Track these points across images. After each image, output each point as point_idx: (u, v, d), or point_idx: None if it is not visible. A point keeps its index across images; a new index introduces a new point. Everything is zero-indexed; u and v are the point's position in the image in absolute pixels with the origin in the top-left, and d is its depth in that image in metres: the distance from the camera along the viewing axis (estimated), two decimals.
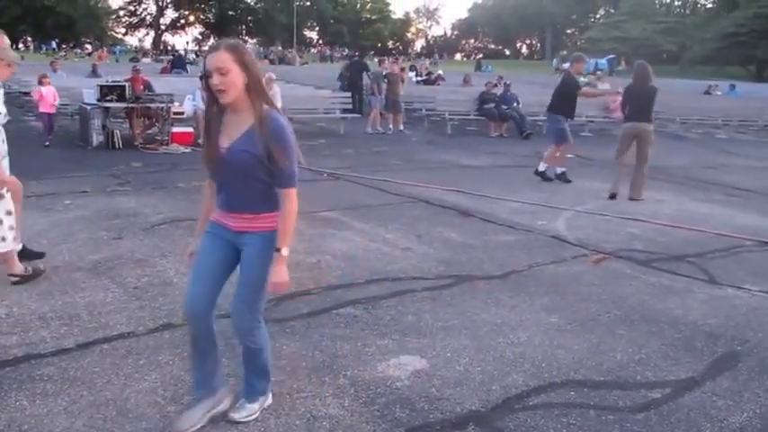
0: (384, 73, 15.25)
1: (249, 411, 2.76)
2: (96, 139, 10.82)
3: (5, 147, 4.42)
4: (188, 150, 10.87)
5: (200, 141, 11.29)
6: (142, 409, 2.81)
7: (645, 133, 7.82)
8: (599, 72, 31.40)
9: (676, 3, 75.77)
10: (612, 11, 72.52)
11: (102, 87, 11.13)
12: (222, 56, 2.40)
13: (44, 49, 52.23)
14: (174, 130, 11.40)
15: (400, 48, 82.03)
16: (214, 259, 2.62)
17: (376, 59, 36.40)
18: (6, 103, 5.00)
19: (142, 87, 12.51)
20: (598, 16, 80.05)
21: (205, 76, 2.47)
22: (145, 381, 3.05)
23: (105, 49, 49.73)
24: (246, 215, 2.58)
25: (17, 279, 4.30)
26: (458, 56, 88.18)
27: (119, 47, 58.26)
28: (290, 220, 2.60)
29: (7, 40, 4.74)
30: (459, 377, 3.20)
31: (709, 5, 69.68)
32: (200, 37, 77.87)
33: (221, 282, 2.66)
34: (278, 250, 2.56)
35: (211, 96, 2.50)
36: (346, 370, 3.23)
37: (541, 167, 9.01)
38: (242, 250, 2.60)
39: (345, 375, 3.18)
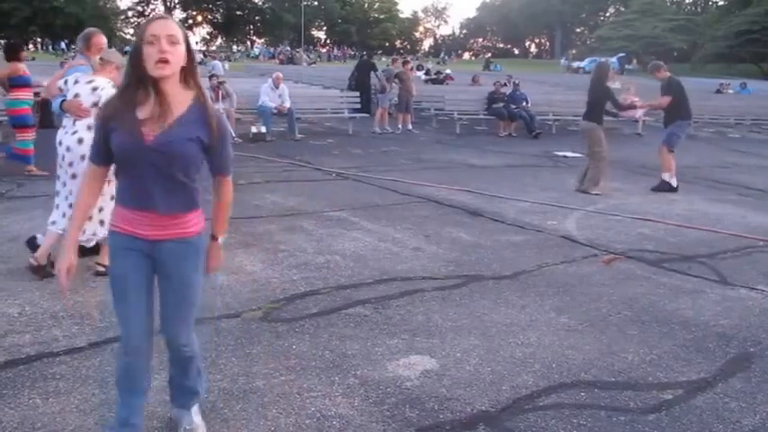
0: (396, 71, 15.24)
1: (197, 418, 2.63)
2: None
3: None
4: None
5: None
6: (152, 407, 2.82)
7: None
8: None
9: (687, 0, 75.42)
10: (623, 9, 72.23)
11: None
12: (173, 25, 2.17)
13: (51, 49, 52.52)
14: None
15: (408, 47, 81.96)
16: (140, 281, 2.29)
17: (383, 59, 36.44)
18: None
19: None
20: (608, 14, 79.73)
21: (139, 45, 2.14)
22: (155, 379, 3.05)
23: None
24: (168, 218, 2.24)
25: (103, 269, 4.35)
26: (466, 55, 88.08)
27: (127, 47, 58.48)
28: (230, 207, 2.43)
29: (104, 40, 4.88)
30: (468, 377, 3.20)
31: (721, 3, 69.25)
32: (207, 37, 78.20)
33: (152, 304, 2.36)
34: (215, 239, 2.39)
35: (137, 68, 2.14)
36: (356, 370, 3.23)
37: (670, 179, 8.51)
38: (163, 260, 2.29)
39: (355, 375, 3.18)
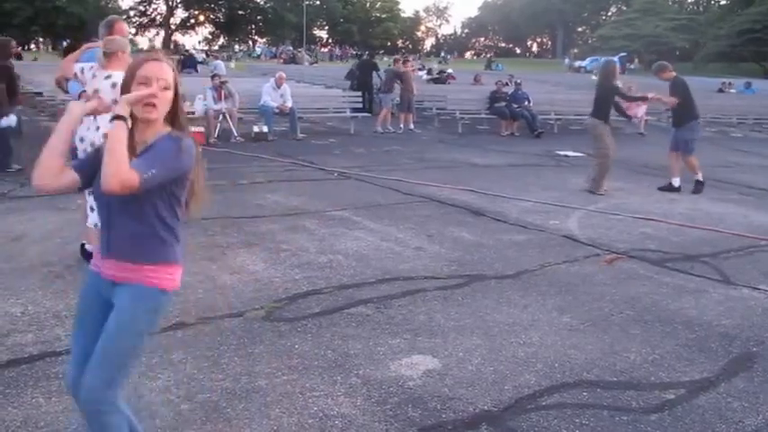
0: (398, 71, 15.23)
1: None
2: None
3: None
4: (199, 150, 10.88)
5: (210, 141, 11.38)
6: (156, 407, 2.82)
7: None
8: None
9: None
10: (624, 8, 72.11)
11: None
12: (167, 69, 2.11)
13: (52, 48, 52.57)
14: None
15: (410, 46, 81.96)
16: (96, 325, 2.11)
17: (385, 58, 36.43)
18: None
19: None
20: (610, 14, 79.65)
21: (129, 84, 2.09)
22: (158, 379, 3.07)
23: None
24: (126, 263, 2.08)
25: None
26: (468, 54, 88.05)
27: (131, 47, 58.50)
28: (118, 158, 1.96)
29: (126, 27, 4.87)
30: (471, 377, 3.20)
31: (723, 2, 69.15)
32: (210, 36, 78.20)
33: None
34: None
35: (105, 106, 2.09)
36: (358, 369, 3.23)
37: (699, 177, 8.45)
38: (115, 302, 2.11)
39: (357, 374, 3.18)
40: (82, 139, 4.42)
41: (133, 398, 2.88)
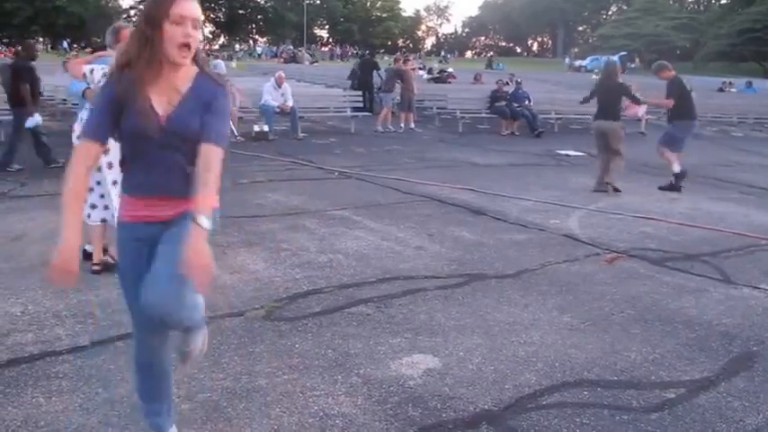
0: (398, 69, 15.22)
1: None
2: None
3: None
4: None
5: None
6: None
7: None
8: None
9: None
10: (625, 7, 72.11)
11: None
12: (197, 6, 2.03)
13: (51, 48, 52.59)
14: None
15: (410, 45, 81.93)
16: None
17: (386, 58, 36.41)
18: None
19: None
20: (610, 13, 79.61)
21: (160, 20, 1.98)
22: None
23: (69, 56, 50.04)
24: (177, 201, 2.10)
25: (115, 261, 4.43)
26: (468, 53, 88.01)
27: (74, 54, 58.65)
28: (216, 181, 2.01)
29: None
30: (471, 376, 3.20)
31: (724, 1, 69.08)
32: (210, 36, 78.15)
33: None
34: (193, 219, 1.95)
35: (152, 47, 2.00)
36: (359, 368, 3.23)
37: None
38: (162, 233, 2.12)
39: (358, 374, 3.18)
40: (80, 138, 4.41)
41: (133, 397, 2.88)
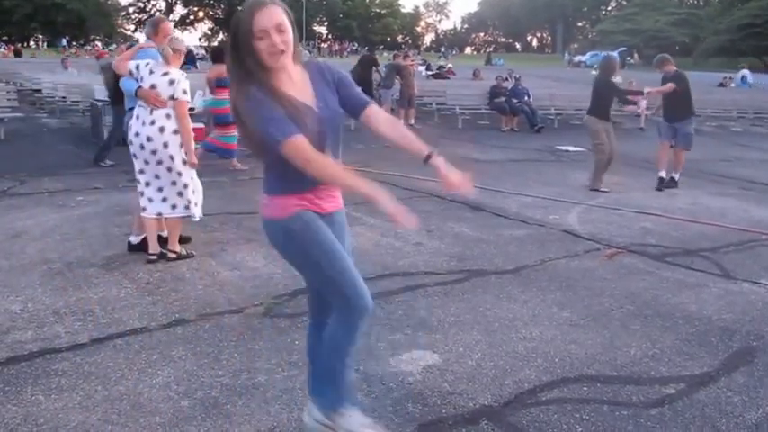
0: (400, 65, 15.18)
1: (307, 418, 2.58)
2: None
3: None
4: (198, 146, 10.89)
5: (210, 136, 11.34)
6: (156, 403, 2.82)
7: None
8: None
9: None
10: (624, 2, 72.03)
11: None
12: (278, 11, 2.06)
13: (48, 45, 52.56)
14: None
15: (410, 42, 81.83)
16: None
17: (385, 54, 36.34)
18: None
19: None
20: (609, 8, 79.49)
21: (249, 41, 2.06)
22: (158, 376, 3.06)
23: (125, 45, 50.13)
24: (336, 192, 2.41)
25: (174, 255, 4.73)
26: (468, 50, 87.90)
27: (129, 43, 58.60)
28: (400, 122, 2.37)
29: (170, 26, 5.19)
30: (471, 372, 3.19)
31: None
32: (209, 33, 78.13)
33: None
34: (429, 156, 2.38)
35: (255, 62, 2.08)
36: (358, 365, 3.22)
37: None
38: (331, 228, 2.38)
39: (358, 370, 3.17)
40: (137, 134, 4.58)
41: (132, 394, 2.89)
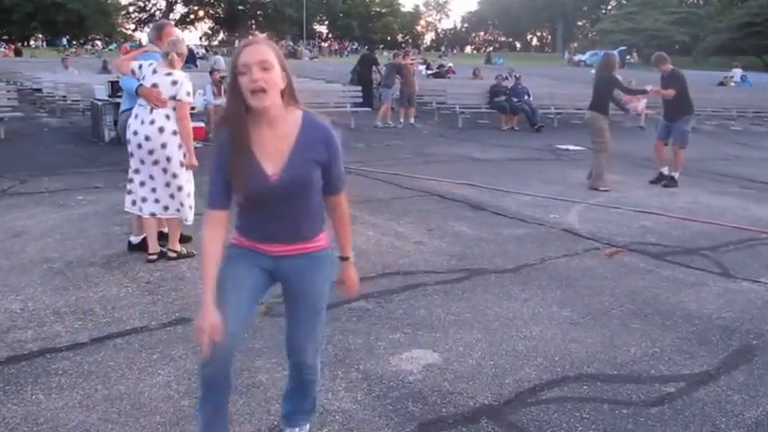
0: (401, 63, 15.17)
1: None
2: (108, 134, 10.87)
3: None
4: (199, 145, 10.88)
5: (210, 136, 11.35)
6: (156, 402, 2.83)
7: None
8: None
9: None
10: (624, 1, 71.96)
11: (113, 84, 11.17)
12: (264, 48, 2.01)
13: (46, 45, 52.58)
14: None
15: (410, 41, 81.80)
16: (245, 285, 2.19)
17: (385, 53, 36.35)
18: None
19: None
20: (609, 7, 79.45)
21: (233, 76, 2.02)
22: (159, 375, 3.07)
23: (125, 46, 50.24)
24: (298, 244, 2.20)
25: (174, 255, 4.76)
26: (468, 49, 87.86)
27: (130, 43, 58.67)
28: (349, 222, 2.31)
29: (174, 30, 5.23)
30: (471, 371, 3.20)
31: None
32: (209, 32, 78.14)
33: (247, 313, 2.25)
34: (346, 259, 2.30)
35: (237, 103, 2.01)
36: (359, 364, 3.23)
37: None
38: (287, 278, 2.24)
39: (358, 369, 3.18)
40: (136, 133, 4.59)
41: (133, 393, 2.89)
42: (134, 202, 4.73)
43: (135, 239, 4.91)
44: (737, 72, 28.99)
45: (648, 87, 8.83)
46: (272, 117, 2.05)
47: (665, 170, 8.31)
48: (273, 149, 2.06)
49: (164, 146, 4.54)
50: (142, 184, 4.65)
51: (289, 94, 2.09)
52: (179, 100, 4.53)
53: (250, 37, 2.13)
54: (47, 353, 3.25)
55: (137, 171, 4.66)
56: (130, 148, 4.63)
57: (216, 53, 38.48)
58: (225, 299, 2.12)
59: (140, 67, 4.62)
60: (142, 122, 4.56)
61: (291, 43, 56.23)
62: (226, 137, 2.06)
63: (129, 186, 4.75)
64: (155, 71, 4.57)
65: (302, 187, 2.11)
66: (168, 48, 4.61)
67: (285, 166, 2.06)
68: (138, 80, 4.60)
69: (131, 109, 4.74)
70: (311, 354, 2.33)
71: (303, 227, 2.18)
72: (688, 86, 8.34)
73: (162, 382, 3.00)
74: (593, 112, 8.10)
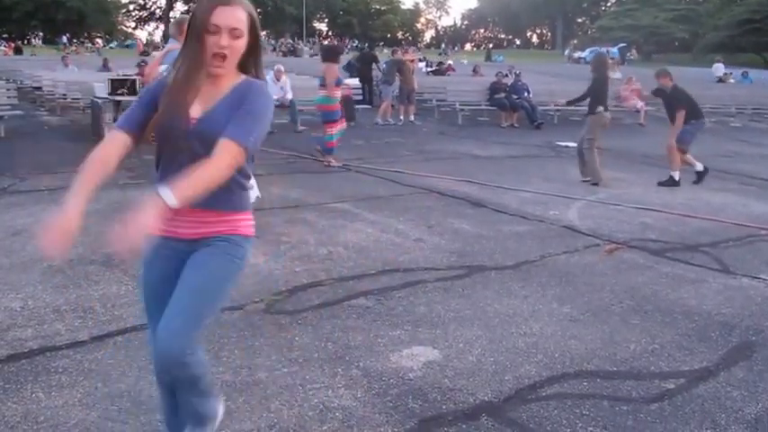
0: (401, 60, 15.16)
1: None
2: (108, 132, 10.87)
3: None
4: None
5: None
6: (156, 400, 2.81)
7: None
8: (610, 60, 31.00)
9: None
10: None
11: (113, 81, 11.18)
12: (239, 14, 1.93)
13: (43, 43, 52.61)
14: None
15: (410, 38, 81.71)
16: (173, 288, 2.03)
17: (385, 50, 36.33)
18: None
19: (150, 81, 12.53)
20: (609, 4, 79.28)
21: (200, 29, 1.92)
22: None
23: (139, 40, 50.38)
24: (212, 214, 2.01)
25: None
26: (468, 46, 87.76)
27: (130, 41, 58.69)
28: (211, 173, 1.84)
29: None
30: (471, 368, 3.20)
31: None
32: None
33: None
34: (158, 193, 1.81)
35: (197, 52, 1.94)
36: (359, 361, 3.24)
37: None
38: (197, 252, 2.04)
39: (358, 366, 3.18)
40: None
41: (133, 391, 2.89)
42: None
43: None
44: (719, 67, 29.08)
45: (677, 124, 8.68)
46: (219, 79, 1.99)
47: (700, 167, 8.30)
48: (205, 98, 1.98)
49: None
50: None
51: (254, 65, 2.04)
52: None
53: None
54: (47, 351, 3.25)
55: None
56: None
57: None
58: (153, 302, 2.10)
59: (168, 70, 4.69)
60: None
61: (291, 41, 56.21)
62: (170, 73, 2.00)
63: None
64: None
65: (214, 137, 1.90)
66: (172, 30, 4.70)
67: (205, 113, 1.96)
68: None
69: None
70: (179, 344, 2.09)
71: (219, 198, 1.94)
72: (692, 97, 8.35)
73: None
74: (604, 111, 8.12)
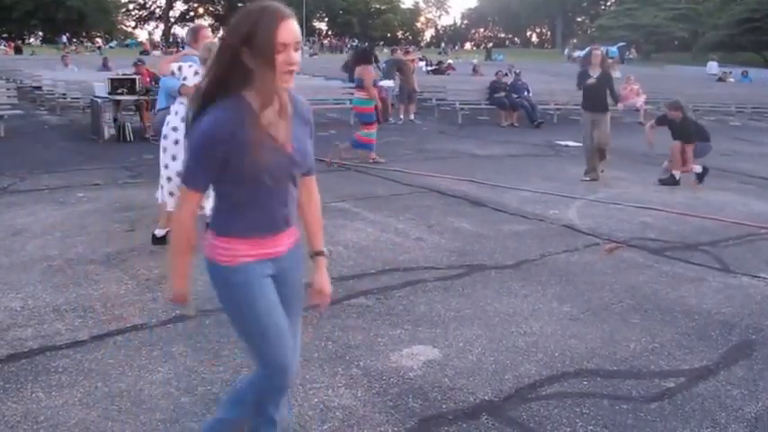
0: (401, 59, 15.16)
1: None
2: (108, 131, 10.88)
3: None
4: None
5: None
6: (156, 400, 2.83)
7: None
8: (609, 60, 31.01)
9: None
10: None
11: (112, 81, 11.18)
12: (297, 27, 1.85)
13: (42, 43, 52.60)
14: None
15: (410, 37, 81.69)
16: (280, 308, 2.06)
17: (385, 50, 36.31)
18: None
19: (149, 80, 12.52)
20: (609, 3, 79.26)
21: (271, 53, 1.78)
22: (158, 372, 3.07)
23: (146, 42, 50.34)
24: (290, 230, 2.04)
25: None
26: (468, 45, 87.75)
27: (130, 40, 58.68)
28: (320, 211, 2.14)
29: (209, 33, 5.47)
30: (471, 367, 3.20)
31: None
32: (209, 29, 77.79)
33: None
34: (320, 253, 2.15)
35: (272, 81, 1.82)
36: (359, 360, 3.24)
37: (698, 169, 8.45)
38: (280, 275, 2.06)
39: (358, 366, 3.18)
40: (175, 129, 4.77)
41: (133, 391, 2.89)
42: (170, 195, 4.85)
43: (160, 232, 4.95)
44: (713, 65, 29.16)
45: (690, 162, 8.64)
46: (281, 97, 1.90)
47: (699, 168, 8.33)
48: (280, 128, 1.90)
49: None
50: (169, 179, 4.80)
51: None
52: None
53: (274, 2, 1.83)
54: (47, 350, 3.25)
55: (166, 167, 4.82)
56: (165, 143, 4.81)
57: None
58: (279, 331, 2.02)
59: (180, 68, 4.82)
60: (182, 119, 4.62)
61: None
62: (236, 103, 1.84)
63: (160, 181, 4.92)
64: (196, 72, 4.74)
65: (306, 162, 1.98)
66: (204, 53, 4.75)
67: (292, 138, 1.92)
68: (179, 80, 4.80)
69: (168, 107, 5.01)
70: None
71: (293, 210, 2.03)
72: (697, 123, 8.47)
73: (162, 380, 3.00)
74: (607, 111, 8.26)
